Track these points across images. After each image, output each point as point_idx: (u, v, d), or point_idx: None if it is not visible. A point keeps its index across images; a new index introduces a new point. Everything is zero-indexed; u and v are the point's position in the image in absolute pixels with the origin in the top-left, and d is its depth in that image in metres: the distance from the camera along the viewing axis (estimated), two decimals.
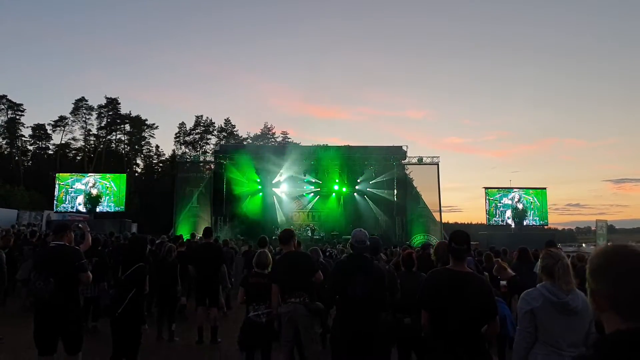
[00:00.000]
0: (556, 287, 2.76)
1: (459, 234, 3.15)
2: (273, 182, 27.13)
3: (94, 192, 25.81)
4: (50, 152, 53.22)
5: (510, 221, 27.13)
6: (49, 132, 52.53)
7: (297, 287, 4.52)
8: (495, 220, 27.19)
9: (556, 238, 22.17)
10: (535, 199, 27.60)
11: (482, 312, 2.97)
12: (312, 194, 27.80)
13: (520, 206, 27.18)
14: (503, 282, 4.55)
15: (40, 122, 52.11)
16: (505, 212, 27.24)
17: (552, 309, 2.70)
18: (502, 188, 28.08)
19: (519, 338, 2.80)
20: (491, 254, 8.01)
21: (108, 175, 27.66)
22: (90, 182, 26.17)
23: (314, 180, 27.42)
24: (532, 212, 27.35)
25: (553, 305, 2.70)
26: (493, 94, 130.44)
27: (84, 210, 25.61)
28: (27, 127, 51.58)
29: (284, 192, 27.57)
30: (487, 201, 27.20)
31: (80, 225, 5.52)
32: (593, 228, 31.77)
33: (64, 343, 4.36)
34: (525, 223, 27.06)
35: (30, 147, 53.14)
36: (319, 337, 4.43)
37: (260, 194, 27.24)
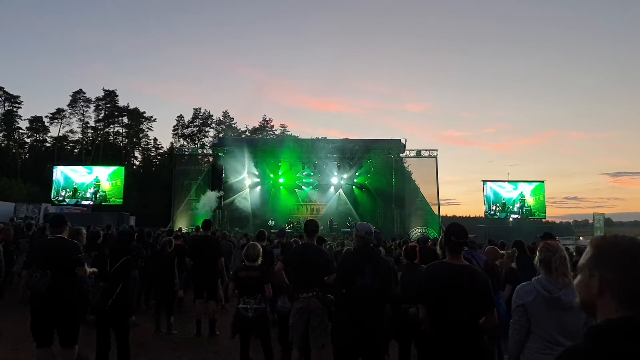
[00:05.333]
0: (550, 281, 2.76)
1: (459, 228, 3.14)
2: (271, 175, 27.11)
3: (92, 186, 25.74)
4: (47, 144, 53.07)
5: (510, 214, 27.21)
6: (47, 124, 52.45)
7: (310, 282, 4.47)
8: (492, 213, 27.26)
9: (554, 231, 22.14)
10: (533, 192, 27.67)
11: (480, 304, 2.98)
12: (311, 186, 27.79)
13: (510, 195, 27.26)
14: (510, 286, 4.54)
15: (38, 115, 52.00)
16: (503, 205, 27.32)
17: (545, 304, 2.72)
18: (499, 181, 28.13)
19: (512, 331, 2.84)
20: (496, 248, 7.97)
21: (106, 167, 27.58)
22: (87, 175, 26.11)
23: (312, 173, 27.39)
24: (529, 205, 27.42)
25: (545, 301, 2.71)
26: (493, 87, 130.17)
27: (82, 202, 25.57)
28: (25, 120, 51.46)
29: (283, 185, 27.56)
30: (484, 194, 27.26)
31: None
32: (590, 221, 31.91)
33: (59, 336, 4.35)
34: (515, 216, 27.16)
35: (28, 140, 53.01)
36: (328, 329, 4.40)
37: (259, 186, 27.23)
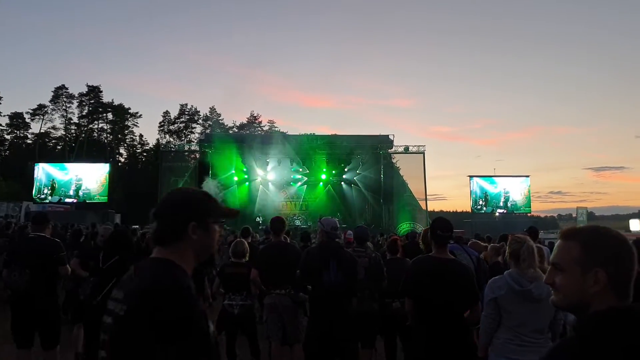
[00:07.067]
0: (520, 274, 2.82)
1: (444, 222, 3.17)
2: (259, 171, 26.99)
3: (73, 183, 25.34)
4: (29, 141, 52.00)
5: (495, 209, 27.53)
6: (27, 120, 51.27)
7: (282, 279, 4.49)
8: (479, 208, 27.55)
9: (539, 225, 22.53)
10: (519, 187, 28.03)
11: (465, 297, 3.01)
12: (299, 183, 27.75)
13: (496, 190, 27.58)
14: None
15: (18, 111, 50.83)
16: (486, 199, 27.63)
17: (516, 297, 2.79)
18: (486, 176, 28.44)
19: (484, 323, 2.93)
20: (478, 242, 8.03)
21: (90, 164, 27.17)
22: (71, 172, 25.70)
23: (301, 170, 27.35)
24: (514, 200, 27.77)
25: (516, 294, 2.78)
26: (480, 81, 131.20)
27: (65, 200, 25.17)
28: (4, 116, 50.01)
29: (271, 182, 27.46)
30: (471, 189, 27.53)
31: None
32: (574, 215, 32.44)
33: (40, 337, 4.26)
34: (501, 211, 27.49)
35: (8, 137, 51.78)
36: (303, 326, 4.43)
37: (247, 183, 27.09)
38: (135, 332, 1.21)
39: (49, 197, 25.12)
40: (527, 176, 28.63)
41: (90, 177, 25.60)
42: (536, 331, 2.76)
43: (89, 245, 7.67)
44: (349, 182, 27.57)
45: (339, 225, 4.05)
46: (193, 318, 1.26)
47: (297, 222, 24.92)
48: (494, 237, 10.89)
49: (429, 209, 27.20)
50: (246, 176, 26.92)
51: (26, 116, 50.94)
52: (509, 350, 2.76)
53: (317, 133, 29.62)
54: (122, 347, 1.24)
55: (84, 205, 25.32)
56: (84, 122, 52.51)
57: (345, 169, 27.34)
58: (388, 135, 26.83)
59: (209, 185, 23.46)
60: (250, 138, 31.46)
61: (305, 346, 3.86)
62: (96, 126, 53.71)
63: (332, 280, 3.69)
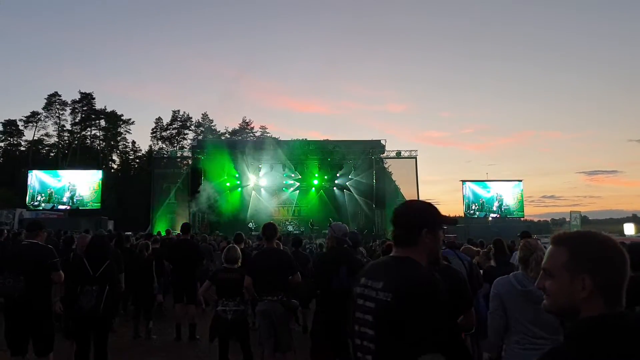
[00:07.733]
0: (525, 276, 2.85)
1: None
2: (252, 177, 26.97)
3: (68, 190, 25.16)
4: (22, 148, 51.70)
5: (488, 213, 27.70)
6: (21, 128, 51.04)
7: (274, 285, 4.50)
8: (471, 213, 27.69)
9: (532, 229, 22.64)
10: (511, 192, 28.22)
11: (458, 302, 3.02)
12: (292, 188, 27.75)
13: (489, 194, 27.74)
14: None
15: (12, 118, 50.64)
16: (482, 204, 27.81)
17: (518, 297, 2.79)
18: (478, 181, 28.61)
19: (490, 320, 2.92)
20: (471, 247, 8.08)
21: (83, 171, 27.01)
22: (64, 179, 25.53)
23: (293, 175, 27.36)
24: (507, 204, 27.96)
25: (518, 294, 2.79)
26: (472, 87, 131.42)
27: (59, 207, 24.99)
28: None
29: (263, 187, 27.44)
30: (463, 194, 27.68)
31: None
32: (567, 219, 32.65)
33: (33, 344, 4.26)
34: (494, 215, 27.67)
35: (1, 144, 51.49)
36: (292, 333, 4.45)
37: (239, 189, 27.05)
38: (401, 316, 1.52)
39: (43, 204, 24.94)
40: (520, 180, 28.89)
41: (83, 184, 25.46)
42: (545, 332, 2.71)
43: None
44: (341, 188, 27.63)
45: (348, 231, 4.11)
46: (444, 308, 1.57)
47: (290, 228, 24.91)
48: (487, 242, 10.96)
49: None
50: (238, 182, 26.88)
51: (19, 123, 50.84)
52: (514, 354, 2.75)
53: (309, 138, 29.83)
54: (389, 328, 1.55)
55: (77, 212, 25.16)
56: (76, 129, 52.26)
57: (338, 174, 27.38)
58: (380, 140, 26.99)
59: (209, 190, 23.51)
60: (243, 144, 31.47)
61: (313, 334, 3.90)
62: (89, 133, 53.49)
63: (341, 284, 3.71)
